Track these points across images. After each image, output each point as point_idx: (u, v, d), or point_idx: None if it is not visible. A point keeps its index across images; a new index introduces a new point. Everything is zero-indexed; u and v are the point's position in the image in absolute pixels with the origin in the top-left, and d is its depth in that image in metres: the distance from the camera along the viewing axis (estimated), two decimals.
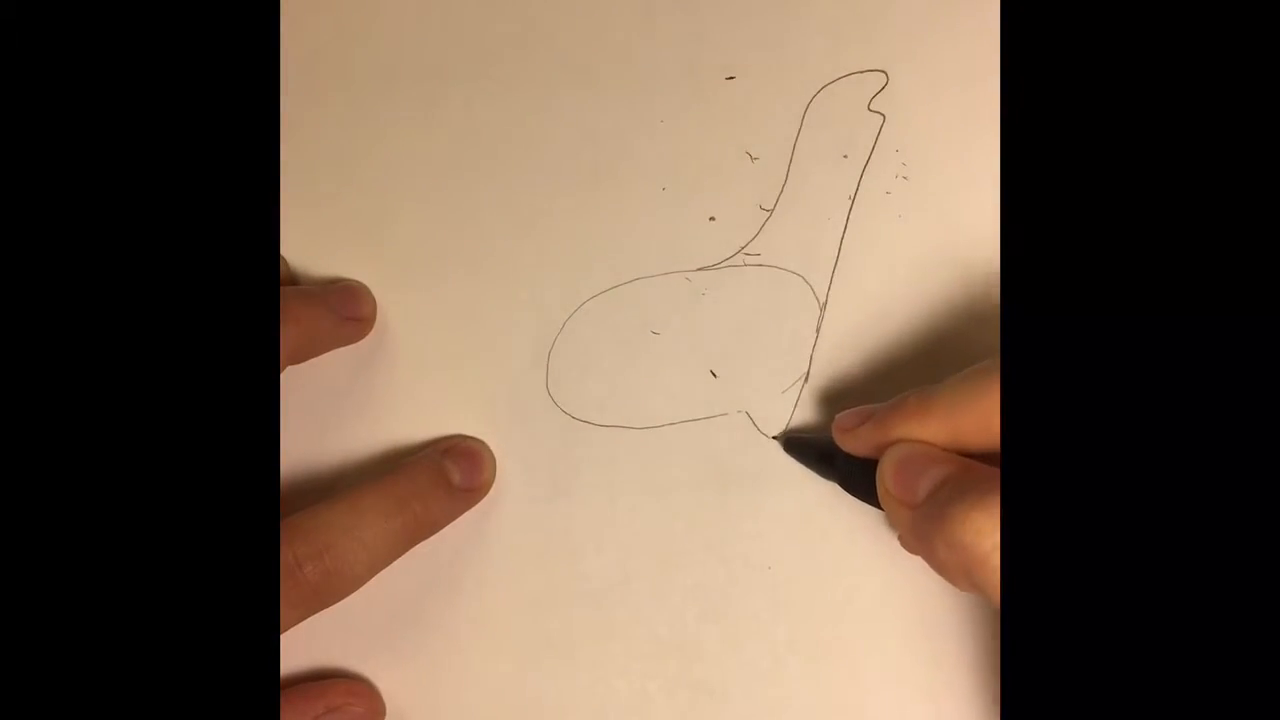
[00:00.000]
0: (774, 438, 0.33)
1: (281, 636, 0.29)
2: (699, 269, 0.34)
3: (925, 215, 0.33)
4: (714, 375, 0.34)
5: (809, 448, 0.33)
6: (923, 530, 0.27)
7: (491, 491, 0.33)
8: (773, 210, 0.33)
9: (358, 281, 0.34)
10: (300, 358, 0.33)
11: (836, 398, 0.33)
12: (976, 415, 0.27)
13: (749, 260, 0.34)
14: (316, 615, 0.29)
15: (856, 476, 0.31)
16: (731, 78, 0.34)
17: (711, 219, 0.34)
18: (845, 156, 0.33)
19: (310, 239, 0.35)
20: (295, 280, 0.35)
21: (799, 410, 0.33)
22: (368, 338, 0.34)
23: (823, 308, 0.33)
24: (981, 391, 0.27)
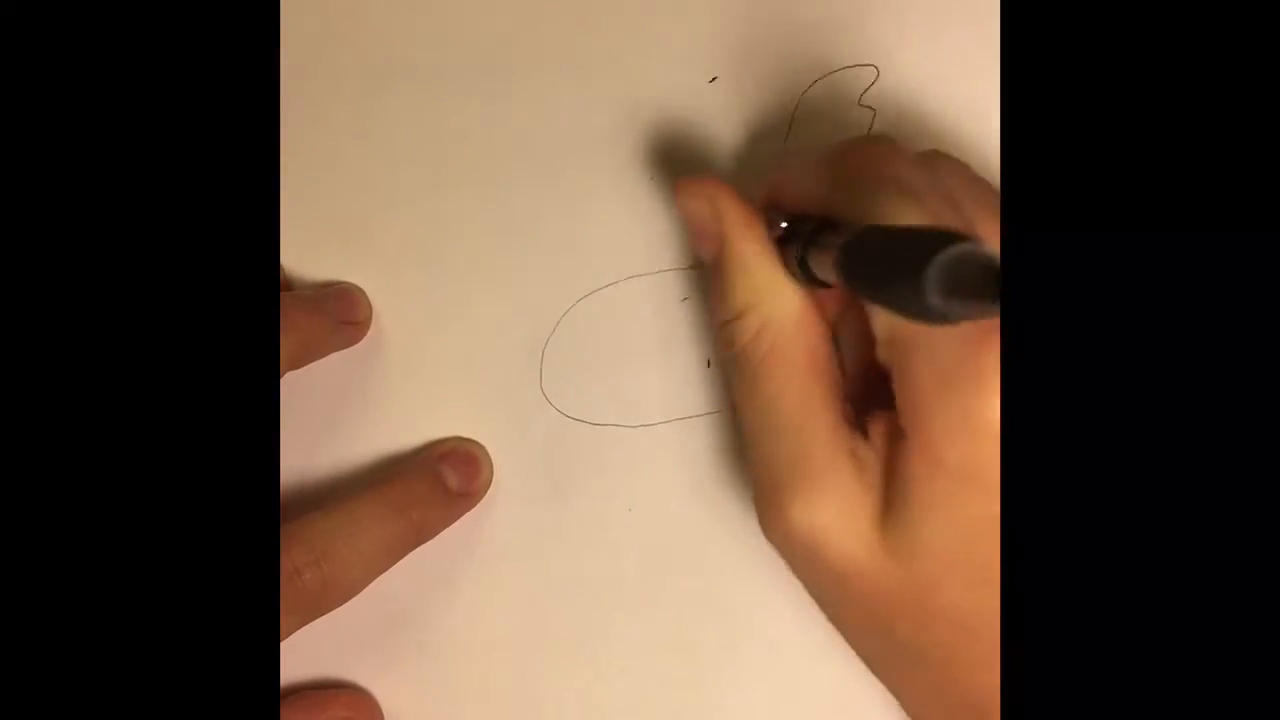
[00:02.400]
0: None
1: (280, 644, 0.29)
2: (692, 266, 0.34)
3: None
4: (709, 369, 0.34)
5: None
6: None
7: (487, 492, 0.34)
8: None
9: (353, 285, 0.34)
10: (298, 364, 0.33)
11: None
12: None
13: None
14: (315, 622, 0.30)
15: None
16: (714, 79, 0.34)
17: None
18: None
19: (304, 241, 0.35)
20: (290, 283, 0.35)
21: None
22: (362, 340, 0.34)
23: None
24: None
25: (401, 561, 0.32)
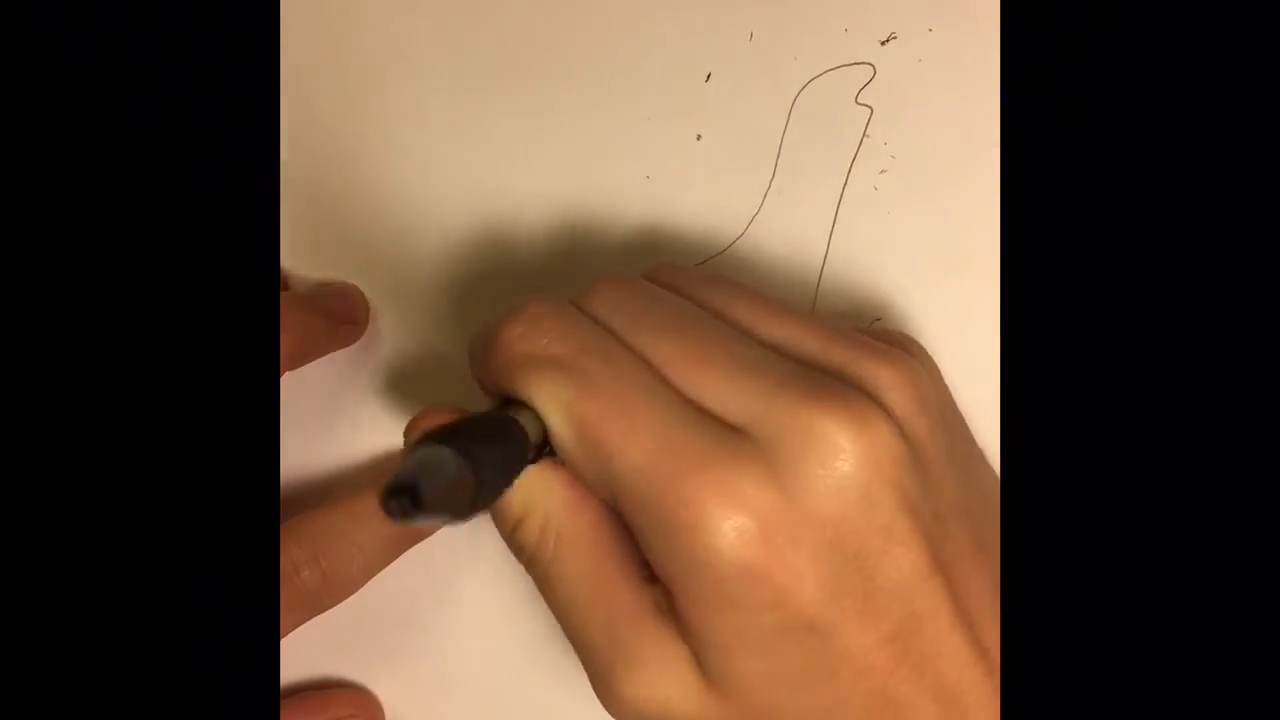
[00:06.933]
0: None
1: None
2: (693, 263, 0.34)
3: (914, 208, 0.33)
4: None
5: None
6: None
7: None
8: (760, 207, 0.33)
9: (351, 284, 0.34)
10: (296, 364, 0.33)
11: None
12: None
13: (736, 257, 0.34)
14: (315, 621, 0.30)
15: None
16: (710, 76, 0.34)
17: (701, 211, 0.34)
18: (832, 150, 0.33)
19: (302, 241, 0.35)
20: (289, 282, 0.35)
21: None
22: (360, 340, 0.34)
23: (813, 303, 0.33)
24: None
25: (403, 561, 0.32)
